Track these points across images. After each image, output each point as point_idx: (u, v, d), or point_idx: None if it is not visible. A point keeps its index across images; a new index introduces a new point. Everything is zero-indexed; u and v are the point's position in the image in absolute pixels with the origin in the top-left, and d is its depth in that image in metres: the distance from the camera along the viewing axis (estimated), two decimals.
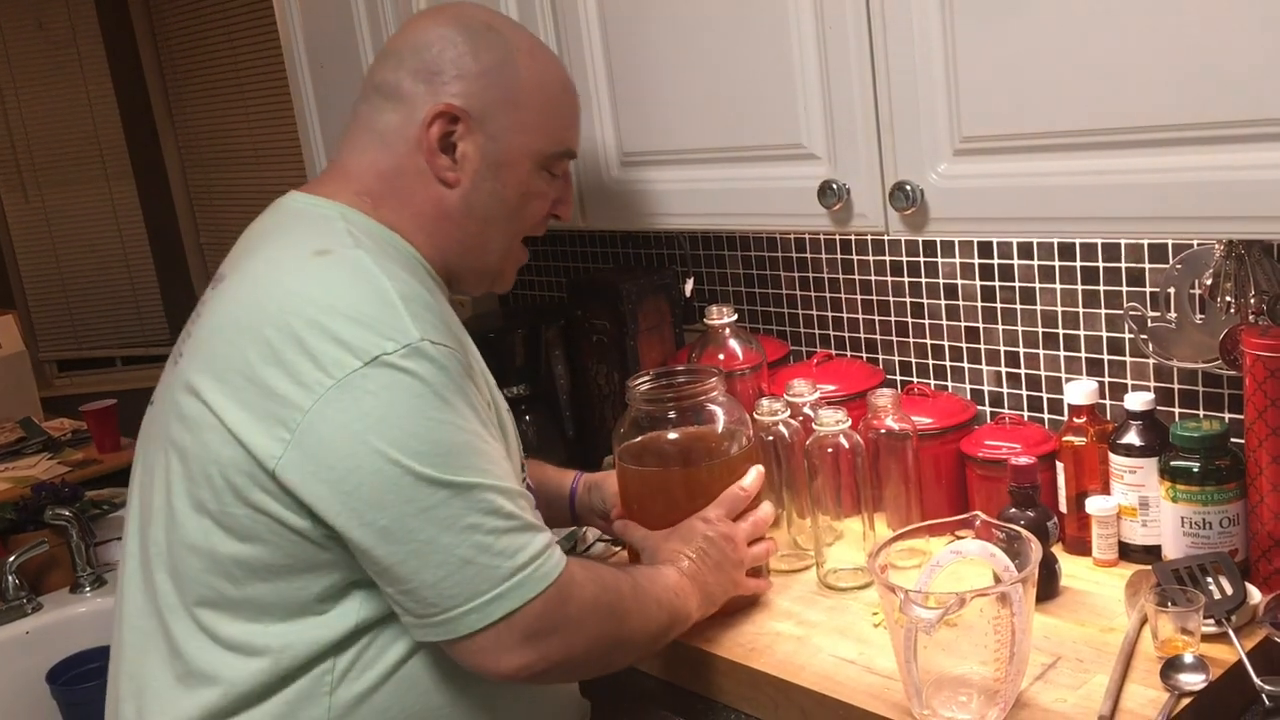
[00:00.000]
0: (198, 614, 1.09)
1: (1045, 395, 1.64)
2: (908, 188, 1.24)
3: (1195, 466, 1.35)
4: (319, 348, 1.00)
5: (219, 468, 1.05)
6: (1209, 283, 1.38)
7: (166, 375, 1.17)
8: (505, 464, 1.09)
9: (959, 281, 1.70)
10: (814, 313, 1.90)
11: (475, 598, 1.02)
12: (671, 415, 1.44)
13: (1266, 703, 1.08)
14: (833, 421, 1.46)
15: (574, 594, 1.08)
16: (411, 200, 1.17)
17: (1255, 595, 1.28)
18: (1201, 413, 1.48)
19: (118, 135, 4.27)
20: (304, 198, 1.18)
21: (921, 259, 1.73)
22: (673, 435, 1.45)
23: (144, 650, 1.13)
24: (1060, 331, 1.60)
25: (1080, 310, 1.57)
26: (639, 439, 1.45)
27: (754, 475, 1.40)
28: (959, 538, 1.24)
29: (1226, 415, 1.44)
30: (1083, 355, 1.58)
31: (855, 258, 1.81)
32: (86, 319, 4.48)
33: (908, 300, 1.77)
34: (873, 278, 1.80)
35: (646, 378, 1.48)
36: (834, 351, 1.87)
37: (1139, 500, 1.42)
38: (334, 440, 1.00)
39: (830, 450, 1.47)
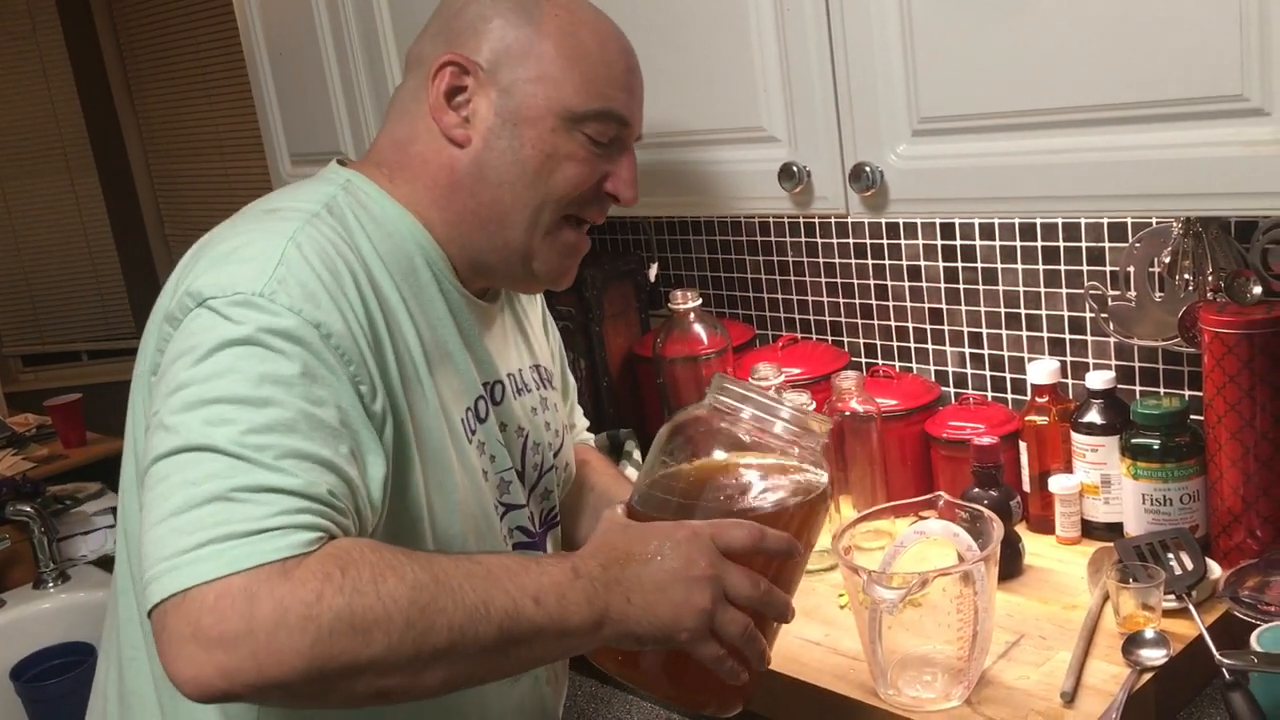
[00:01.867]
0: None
1: (1008, 375, 1.65)
2: (867, 169, 1.24)
3: (1156, 444, 1.36)
4: (187, 293, 0.97)
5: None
6: (1168, 261, 1.39)
7: None
8: (298, 439, 0.89)
9: (921, 263, 1.70)
10: (779, 296, 1.90)
11: (159, 562, 0.83)
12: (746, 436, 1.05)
13: (1227, 676, 1.09)
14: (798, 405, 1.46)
15: (274, 593, 0.81)
16: (425, 169, 1.10)
17: (1215, 570, 1.30)
18: (1162, 390, 1.49)
19: (79, 127, 4.22)
20: (332, 166, 1.14)
21: (885, 241, 1.73)
22: (725, 456, 1.05)
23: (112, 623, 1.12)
24: (1022, 311, 1.61)
25: (1041, 290, 1.58)
26: (686, 447, 1.06)
27: (778, 538, 1.00)
28: (923, 518, 1.25)
29: (1186, 392, 1.45)
30: (1044, 335, 1.59)
31: (819, 240, 1.81)
32: (51, 313, 4.42)
33: (871, 283, 1.77)
34: (836, 260, 1.80)
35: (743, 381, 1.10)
36: (799, 335, 1.87)
37: (1101, 478, 1.43)
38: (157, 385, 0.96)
39: None
